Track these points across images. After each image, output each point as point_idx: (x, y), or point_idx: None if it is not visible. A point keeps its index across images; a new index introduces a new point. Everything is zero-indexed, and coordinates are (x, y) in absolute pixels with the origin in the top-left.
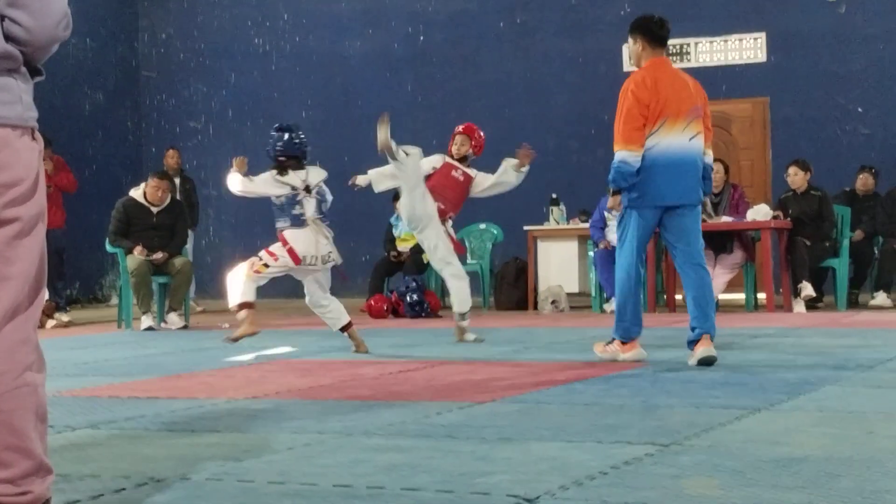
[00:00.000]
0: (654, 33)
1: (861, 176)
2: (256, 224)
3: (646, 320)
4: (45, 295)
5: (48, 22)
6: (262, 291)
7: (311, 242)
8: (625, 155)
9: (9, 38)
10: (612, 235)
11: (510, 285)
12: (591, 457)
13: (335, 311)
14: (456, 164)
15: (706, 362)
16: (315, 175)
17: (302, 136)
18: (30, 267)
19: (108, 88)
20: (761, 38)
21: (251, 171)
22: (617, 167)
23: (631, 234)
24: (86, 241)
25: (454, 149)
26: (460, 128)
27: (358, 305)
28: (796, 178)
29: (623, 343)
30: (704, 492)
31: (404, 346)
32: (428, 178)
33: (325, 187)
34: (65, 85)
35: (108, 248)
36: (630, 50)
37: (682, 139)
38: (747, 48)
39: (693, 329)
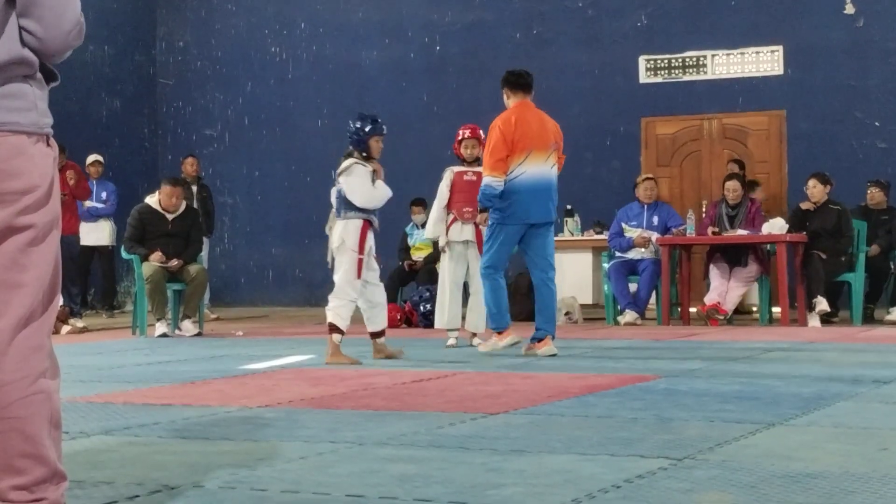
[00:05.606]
0: (514, 83)
1: (870, 190)
2: (271, 232)
3: (660, 333)
4: (60, 301)
5: (60, 31)
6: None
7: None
8: (490, 181)
9: (23, 44)
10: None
11: (524, 296)
12: (604, 470)
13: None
14: (463, 168)
15: (549, 354)
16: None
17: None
18: (44, 274)
19: (126, 96)
20: (778, 51)
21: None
22: (483, 190)
23: (499, 245)
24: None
25: (466, 152)
26: (467, 132)
27: None
28: (815, 190)
29: (499, 333)
30: None
31: (417, 357)
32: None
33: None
34: (82, 92)
35: (124, 254)
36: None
37: (545, 168)
38: (764, 61)
39: (538, 329)
